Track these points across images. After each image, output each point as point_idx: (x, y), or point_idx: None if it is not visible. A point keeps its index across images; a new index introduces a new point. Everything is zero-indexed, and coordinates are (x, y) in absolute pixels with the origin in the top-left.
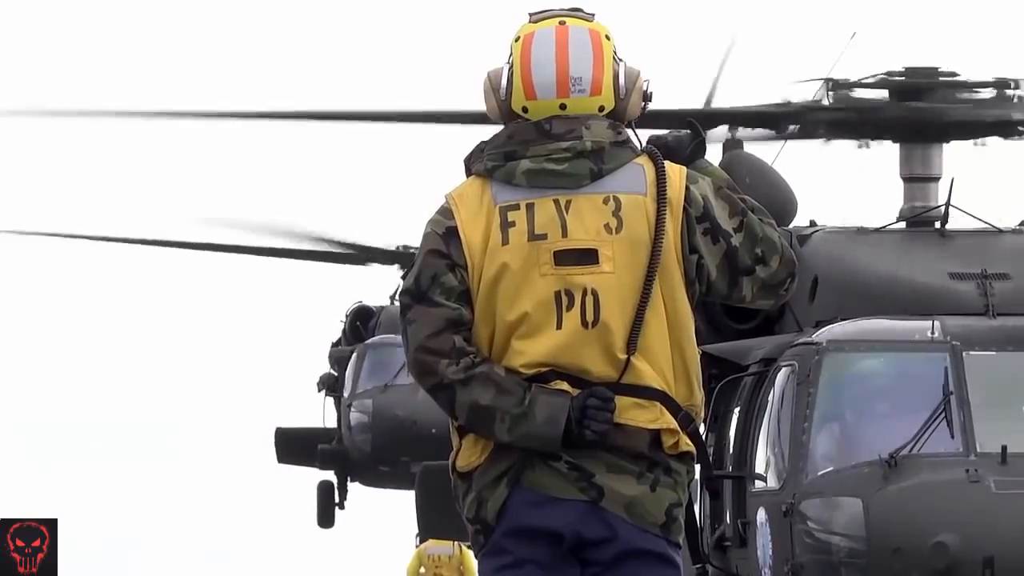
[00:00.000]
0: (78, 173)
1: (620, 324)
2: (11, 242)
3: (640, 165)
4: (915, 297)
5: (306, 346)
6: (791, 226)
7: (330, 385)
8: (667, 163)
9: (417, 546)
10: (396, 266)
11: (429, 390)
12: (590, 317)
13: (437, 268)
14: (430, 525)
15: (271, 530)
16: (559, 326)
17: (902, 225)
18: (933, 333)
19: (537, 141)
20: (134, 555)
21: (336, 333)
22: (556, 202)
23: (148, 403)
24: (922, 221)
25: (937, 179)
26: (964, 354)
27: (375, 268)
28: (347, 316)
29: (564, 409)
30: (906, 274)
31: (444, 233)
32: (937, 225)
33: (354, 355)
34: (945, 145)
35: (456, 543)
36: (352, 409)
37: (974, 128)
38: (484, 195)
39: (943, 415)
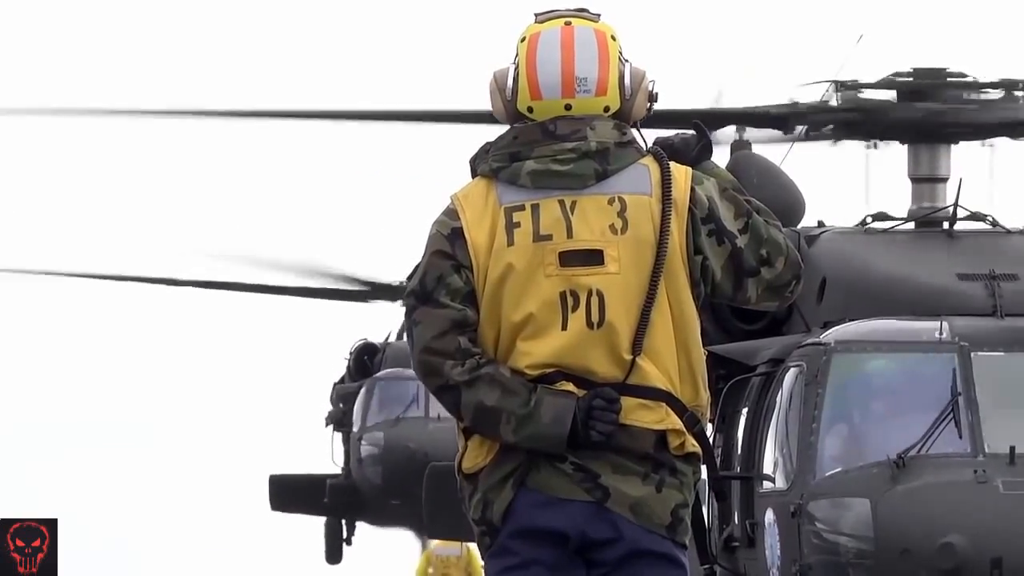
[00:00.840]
0: (85, 208)
1: (626, 325)
2: (18, 252)
3: (645, 166)
4: (923, 298)
5: (306, 387)
6: (799, 227)
7: (338, 420)
8: (672, 164)
9: (424, 548)
10: (400, 303)
11: (435, 391)
12: (595, 318)
13: (442, 269)
14: (437, 526)
15: (274, 555)
16: (564, 327)
17: (911, 226)
18: (941, 334)
19: (542, 142)
20: (134, 555)
21: (335, 373)
22: (561, 203)
23: (149, 410)
24: (930, 222)
25: (945, 180)
26: (972, 355)
27: (376, 305)
28: (352, 353)
29: (570, 410)
30: (914, 275)
31: (449, 234)
32: (945, 226)
33: (363, 390)
34: (953, 146)
35: (463, 544)
36: (363, 442)
37: (982, 129)
38: (489, 196)
39: (951, 416)
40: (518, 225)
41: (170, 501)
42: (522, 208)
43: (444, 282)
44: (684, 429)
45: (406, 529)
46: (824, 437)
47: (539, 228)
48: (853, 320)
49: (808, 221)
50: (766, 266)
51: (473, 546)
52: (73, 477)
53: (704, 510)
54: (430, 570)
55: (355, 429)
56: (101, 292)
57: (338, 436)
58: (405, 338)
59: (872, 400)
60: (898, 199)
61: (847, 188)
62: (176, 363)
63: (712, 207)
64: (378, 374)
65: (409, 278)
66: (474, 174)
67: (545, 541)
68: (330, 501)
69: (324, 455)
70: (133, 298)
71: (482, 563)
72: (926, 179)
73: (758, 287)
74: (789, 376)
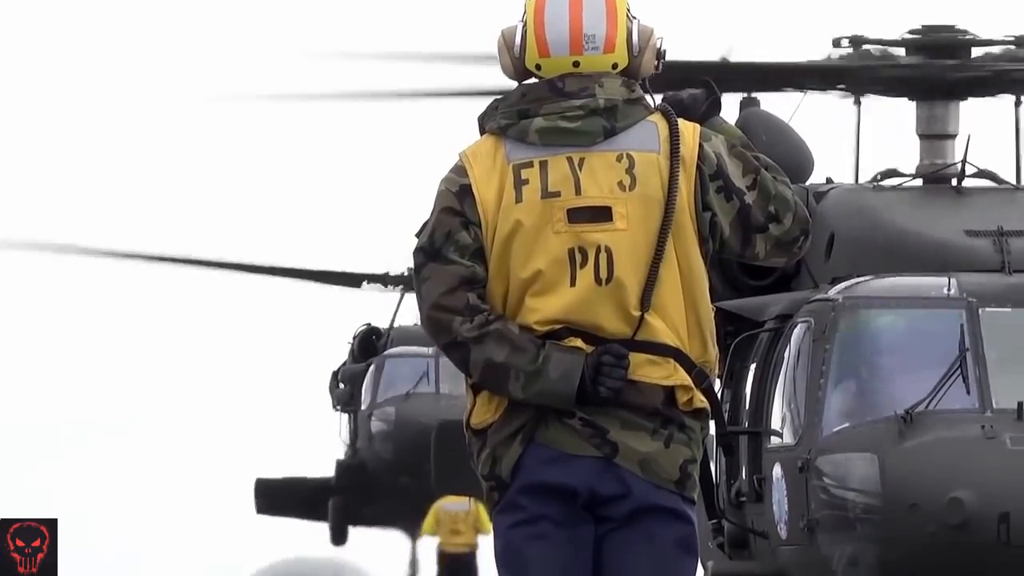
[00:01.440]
0: (81, 185)
1: (634, 281)
2: (14, 245)
3: (653, 123)
4: (931, 254)
5: (303, 380)
6: (807, 183)
7: (345, 401)
8: (681, 121)
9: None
10: (400, 288)
11: (443, 347)
12: (604, 274)
13: (451, 226)
14: (445, 482)
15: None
16: (573, 283)
17: (919, 182)
18: (949, 290)
19: (550, 99)
20: (134, 555)
21: (333, 361)
22: (570, 160)
23: (143, 407)
24: (938, 178)
25: (953, 136)
26: (980, 311)
27: (368, 290)
28: (355, 337)
29: (578, 366)
30: (922, 231)
31: (458, 191)
32: (953, 182)
33: (371, 367)
34: (961, 102)
35: (471, 499)
36: (373, 419)
37: (991, 85)
38: (497, 153)
39: (959, 371)
40: (526, 182)
41: (166, 498)
42: (530, 165)
43: (453, 239)
44: (692, 385)
45: (406, 520)
46: (832, 393)
47: (547, 185)
48: (861, 276)
49: (816, 178)
50: (774, 222)
51: (481, 502)
52: (73, 477)
53: (712, 466)
54: (438, 526)
55: (364, 407)
56: (88, 274)
57: (344, 423)
58: (414, 296)
59: (880, 356)
60: (906, 156)
61: (855, 145)
62: (171, 354)
63: (720, 164)
64: (387, 351)
65: (418, 235)
66: (482, 131)
67: (553, 497)
68: (337, 480)
69: (317, 454)
70: (126, 281)
71: (490, 519)
72: (934, 136)
73: (766, 243)
74: (797, 332)
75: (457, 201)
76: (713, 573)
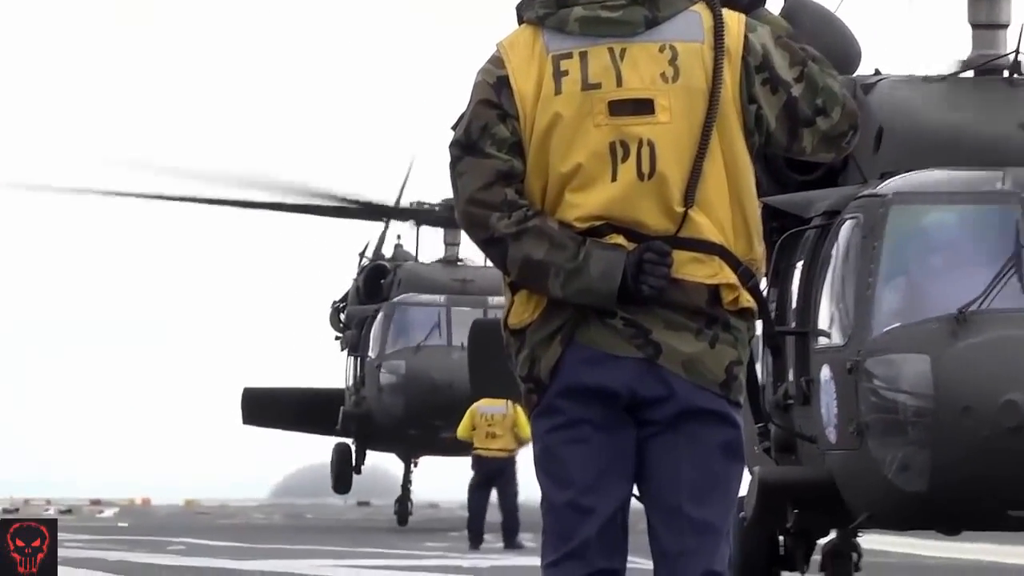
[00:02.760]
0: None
1: (677, 176)
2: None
3: (697, 12)
4: (984, 147)
5: (296, 298)
6: (855, 75)
7: (352, 345)
8: (725, 11)
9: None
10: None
11: (480, 244)
12: (646, 169)
13: (488, 118)
14: (481, 384)
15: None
16: (614, 178)
17: (970, 74)
18: (1003, 184)
19: None
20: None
21: (330, 289)
22: (611, 50)
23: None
24: (990, 69)
25: (1006, 26)
26: None
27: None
28: (361, 274)
29: (619, 263)
30: (974, 124)
31: (495, 83)
32: (1006, 74)
33: (380, 314)
34: None
35: (508, 402)
36: (382, 370)
37: None
38: (536, 44)
39: (1013, 269)
40: (566, 73)
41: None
42: (570, 56)
43: (489, 132)
44: (738, 283)
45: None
46: (882, 291)
47: (587, 76)
48: (911, 171)
49: (864, 69)
50: (822, 116)
51: (518, 404)
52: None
53: (758, 367)
54: (474, 429)
55: (372, 355)
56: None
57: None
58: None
59: (931, 253)
60: (958, 46)
61: (905, 35)
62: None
63: (766, 55)
64: (395, 298)
65: (453, 128)
66: (520, 21)
67: (594, 399)
68: (342, 428)
69: (302, 367)
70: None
71: (528, 422)
72: (987, 25)
73: (813, 137)
74: (845, 228)
75: (494, 93)
76: (759, 479)
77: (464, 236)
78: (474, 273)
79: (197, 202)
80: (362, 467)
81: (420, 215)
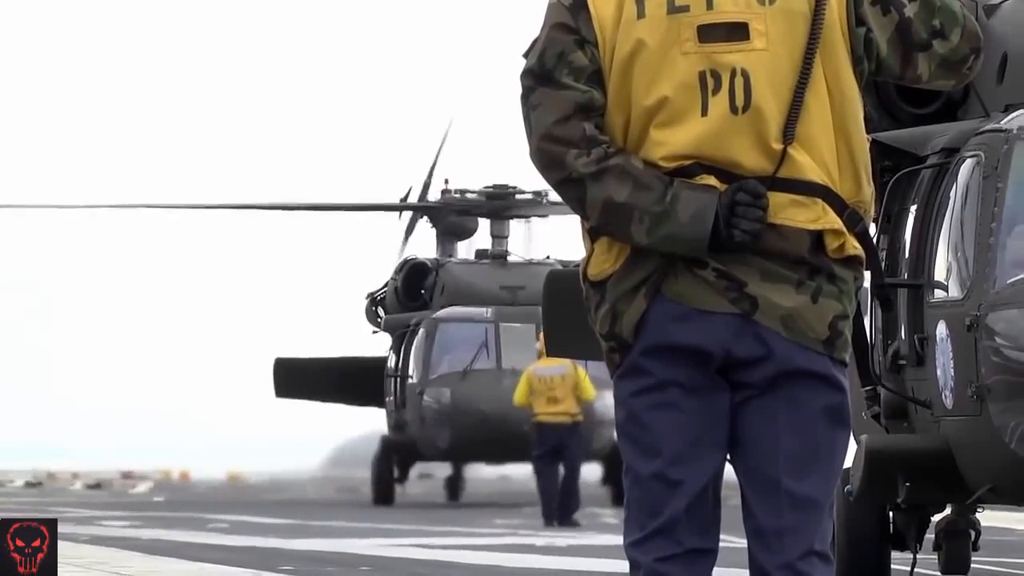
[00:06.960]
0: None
1: (775, 109)
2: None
3: None
4: None
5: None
6: None
7: (391, 364)
8: None
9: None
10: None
11: (555, 185)
12: (740, 101)
13: (564, 44)
14: (559, 345)
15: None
16: (704, 112)
17: None
18: None
19: None
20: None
21: (356, 275)
22: None
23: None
24: None
25: None
26: None
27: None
28: (399, 272)
29: (711, 206)
30: None
31: (571, 5)
32: None
33: (421, 331)
34: None
35: (570, 362)
36: (425, 397)
37: None
38: None
39: None
40: None
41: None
42: None
43: (566, 59)
44: (844, 229)
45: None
46: (1006, 238)
47: None
48: None
49: None
50: (939, 39)
51: (582, 365)
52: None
53: (866, 323)
54: (532, 393)
55: (413, 379)
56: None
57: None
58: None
59: None
60: None
61: None
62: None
63: None
64: (437, 314)
65: (525, 55)
66: None
67: (683, 359)
68: (382, 453)
69: (330, 339)
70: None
71: (590, 381)
72: None
73: (930, 63)
74: (965, 167)
75: (571, 16)
76: (867, 448)
77: (512, 227)
78: (524, 276)
79: (232, 208)
80: (405, 481)
81: (454, 207)
